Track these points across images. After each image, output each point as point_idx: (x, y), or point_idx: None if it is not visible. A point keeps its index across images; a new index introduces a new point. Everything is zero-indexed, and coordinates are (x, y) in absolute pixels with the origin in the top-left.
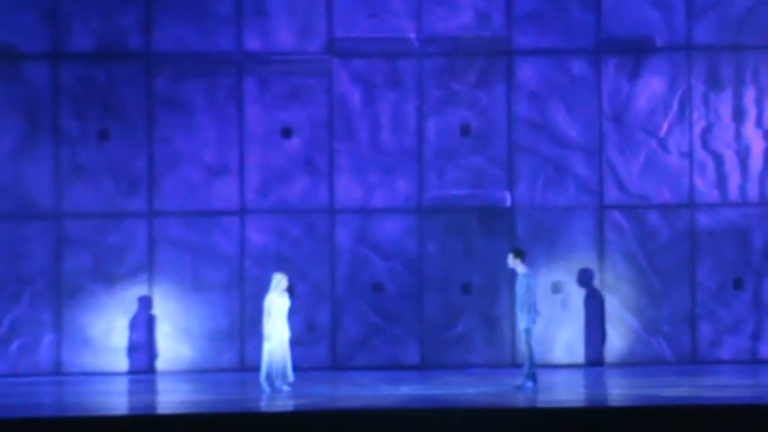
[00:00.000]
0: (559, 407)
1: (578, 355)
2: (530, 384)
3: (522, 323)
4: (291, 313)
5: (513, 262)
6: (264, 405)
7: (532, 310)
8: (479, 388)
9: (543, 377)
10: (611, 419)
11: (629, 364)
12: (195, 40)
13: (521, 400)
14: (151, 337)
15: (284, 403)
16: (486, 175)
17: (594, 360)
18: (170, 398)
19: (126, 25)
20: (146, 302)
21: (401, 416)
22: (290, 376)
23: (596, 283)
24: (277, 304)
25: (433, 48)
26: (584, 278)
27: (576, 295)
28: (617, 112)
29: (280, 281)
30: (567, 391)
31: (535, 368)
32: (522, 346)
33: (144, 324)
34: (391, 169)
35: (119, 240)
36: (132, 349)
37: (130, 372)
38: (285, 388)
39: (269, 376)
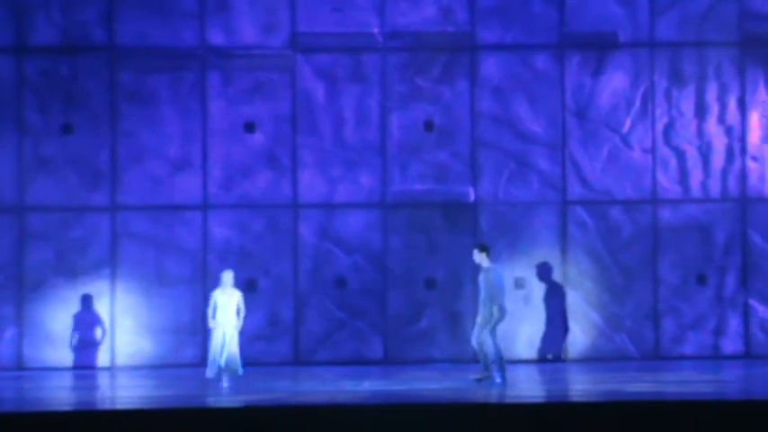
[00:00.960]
0: (522, 402)
1: (541, 350)
2: (499, 379)
3: (480, 317)
4: (254, 308)
5: (478, 257)
6: (225, 401)
7: (495, 305)
8: (442, 383)
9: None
10: (573, 415)
11: (592, 359)
12: (159, 33)
13: (483, 396)
14: (113, 331)
15: (245, 398)
16: (450, 170)
17: (557, 355)
18: (130, 393)
19: (89, 19)
20: (108, 297)
21: (363, 411)
22: (239, 371)
23: (559, 278)
24: (221, 301)
25: (396, 42)
26: (547, 273)
27: (539, 291)
28: (580, 108)
29: (223, 277)
30: (529, 387)
31: (503, 362)
32: (473, 341)
33: (106, 318)
34: (354, 164)
35: (81, 234)
36: (93, 344)
37: (92, 367)
38: (225, 384)
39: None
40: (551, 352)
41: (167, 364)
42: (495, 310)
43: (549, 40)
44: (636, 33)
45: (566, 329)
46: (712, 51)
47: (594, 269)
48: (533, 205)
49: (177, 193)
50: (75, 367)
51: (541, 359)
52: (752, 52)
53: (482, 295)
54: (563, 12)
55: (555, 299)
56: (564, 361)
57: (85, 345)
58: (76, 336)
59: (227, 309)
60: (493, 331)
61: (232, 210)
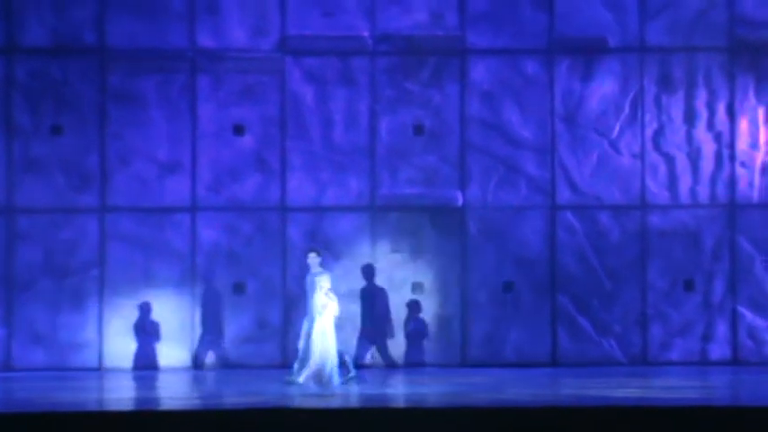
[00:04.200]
0: (509, 407)
1: (528, 355)
2: (352, 374)
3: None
4: (242, 311)
5: (314, 260)
6: (215, 402)
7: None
8: (430, 387)
9: (494, 376)
10: (560, 420)
11: (580, 364)
12: (148, 35)
13: (473, 400)
14: (101, 333)
15: (233, 401)
16: (439, 174)
17: (544, 360)
18: (119, 394)
19: (79, 20)
20: (96, 298)
21: (352, 415)
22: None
23: (547, 283)
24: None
25: (385, 46)
26: (535, 278)
27: (527, 295)
28: (569, 113)
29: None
30: (516, 392)
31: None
32: (299, 343)
33: (94, 320)
34: (343, 167)
35: (70, 236)
36: (82, 345)
37: (80, 368)
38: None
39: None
40: (539, 357)
41: (155, 365)
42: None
43: (539, 45)
44: (625, 39)
45: (553, 334)
46: (702, 57)
47: (583, 274)
48: (522, 210)
49: (166, 195)
50: (65, 368)
51: (528, 363)
52: (741, 59)
53: (311, 299)
54: (552, 17)
55: (544, 304)
56: (551, 366)
57: (75, 346)
58: (66, 337)
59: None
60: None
61: (221, 212)
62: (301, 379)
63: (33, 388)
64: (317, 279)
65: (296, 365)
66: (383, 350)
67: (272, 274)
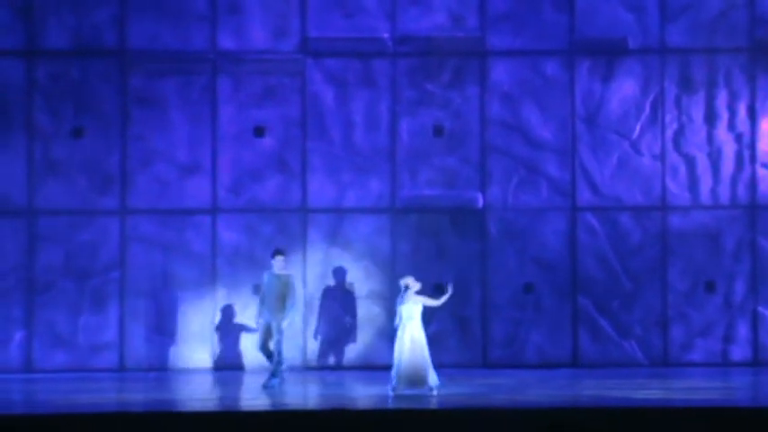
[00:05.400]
0: (530, 408)
1: (549, 356)
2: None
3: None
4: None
5: (281, 262)
6: (237, 405)
7: (292, 310)
8: (450, 389)
9: (515, 378)
10: (582, 421)
11: (601, 365)
12: (170, 37)
13: (493, 401)
14: (122, 335)
15: (253, 403)
16: (459, 175)
17: (565, 362)
18: (139, 396)
19: (100, 22)
20: (117, 300)
21: (371, 416)
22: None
23: (568, 284)
24: (406, 309)
25: (406, 48)
26: (556, 280)
27: (548, 297)
28: (590, 114)
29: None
30: (537, 393)
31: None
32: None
33: (115, 322)
34: (364, 169)
35: (91, 237)
36: (103, 347)
37: (101, 370)
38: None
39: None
40: (560, 358)
41: (177, 367)
42: (289, 314)
43: (559, 47)
44: (646, 40)
45: (574, 336)
46: (722, 58)
47: (603, 275)
48: (542, 211)
49: (187, 197)
50: (86, 370)
51: (549, 365)
52: (762, 59)
53: (276, 300)
54: (573, 18)
55: (565, 305)
56: (572, 367)
57: (96, 348)
58: (87, 339)
59: (413, 315)
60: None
61: (241, 214)
62: (397, 386)
63: (54, 390)
64: (405, 282)
65: (272, 369)
66: None
67: (293, 275)
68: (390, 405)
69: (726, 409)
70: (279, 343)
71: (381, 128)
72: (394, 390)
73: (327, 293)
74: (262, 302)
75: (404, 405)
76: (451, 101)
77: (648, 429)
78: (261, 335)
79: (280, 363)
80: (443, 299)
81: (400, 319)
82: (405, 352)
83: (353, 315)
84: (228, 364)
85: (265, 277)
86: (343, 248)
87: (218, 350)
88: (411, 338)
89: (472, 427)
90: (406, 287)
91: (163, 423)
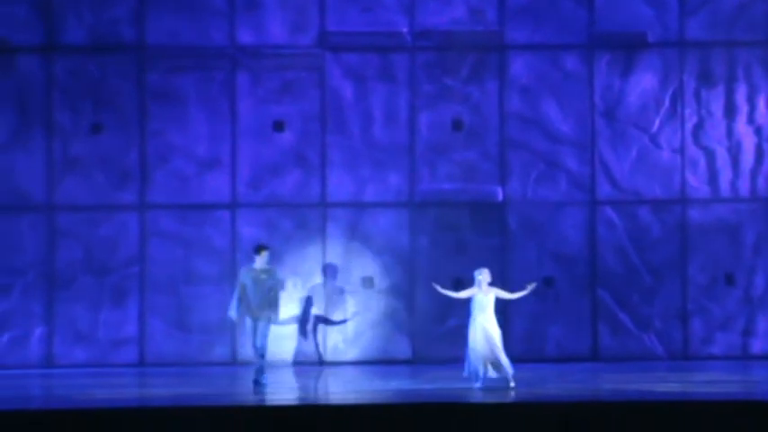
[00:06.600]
0: (550, 401)
1: (569, 350)
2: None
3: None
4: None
5: (265, 258)
6: (255, 399)
7: (277, 305)
8: (470, 382)
9: (534, 372)
10: (602, 414)
11: (620, 359)
12: (188, 33)
13: (508, 396)
14: (142, 330)
15: (275, 397)
16: (478, 169)
17: (585, 355)
18: (160, 391)
19: (119, 18)
20: (137, 295)
21: (391, 410)
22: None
23: (587, 278)
24: (479, 300)
25: (425, 42)
26: (575, 273)
27: (567, 290)
28: (609, 108)
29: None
30: (557, 387)
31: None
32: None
33: (135, 317)
34: (383, 163)
35: (110, 233)
36: (123, 343)
37: (121, 365)
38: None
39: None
40: (580, 352)
41: (197, 362)
42: (275, 309)
43: (579, 41)
44: (665, 34)
45: (594, 330)
46: (742, 51)
47: (623, 269)
48: (561, 205)
49: (206, 192)
50: (106, 365)
51: (569, 359)
52: None
53: (264, 294)
54: (592, 12)
55: (584, 299)
56: (592, 361)
57: (116, 343)
58: (107, 334)
59: (485, 307)
60: (477, 329)
61: (261, 209)
62: (470, 377)
63: (74, 385)
64: (480, 277)
65: (257, 365)
66: (422, 346)
67: (312, 270)
68: (406, 400)
69: (746, 403)
70: (265, 337)
71: (400, 122)
72: (468, 379)
73: (346, 288)
74: (240, 298)
75: (420, 399)
76: (470, 95)
77: (668, 423)
78: (251, 332)
79: (263, 356)
80: (520, 294)
81: (473, 310)
82: (477, 342)
83: (372, 310)
84: (249, 359)
85: (246, 272)
86: (363, 243)
87: (238, 345)
88: (483, 330)
89: (493, 422)
90: (480, 280)
91: (183, 418)
